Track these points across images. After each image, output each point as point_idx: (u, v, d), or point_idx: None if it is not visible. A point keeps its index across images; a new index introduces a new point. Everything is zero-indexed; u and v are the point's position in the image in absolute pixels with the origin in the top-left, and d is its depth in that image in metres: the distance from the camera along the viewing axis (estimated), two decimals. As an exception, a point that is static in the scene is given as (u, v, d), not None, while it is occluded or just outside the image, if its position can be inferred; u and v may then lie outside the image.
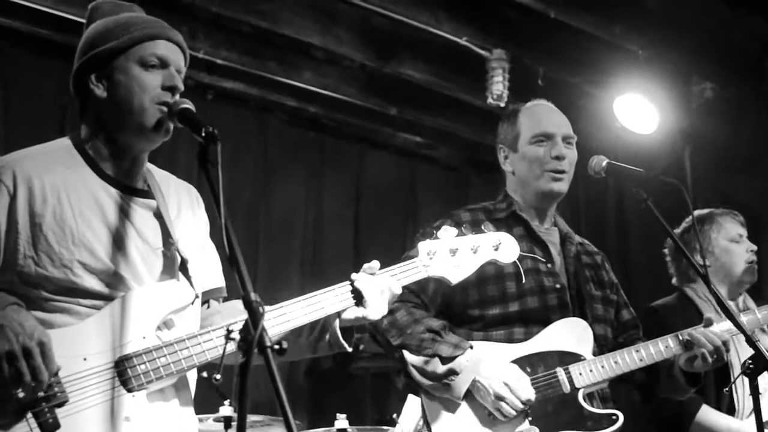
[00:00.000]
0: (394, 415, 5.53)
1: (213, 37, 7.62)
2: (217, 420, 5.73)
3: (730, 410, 5.04)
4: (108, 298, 3.16)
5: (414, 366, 4.17)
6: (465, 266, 3.67)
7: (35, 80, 7.76)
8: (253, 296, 2.55)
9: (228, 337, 2.71)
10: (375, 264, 3.47)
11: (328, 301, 3.35)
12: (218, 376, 2.74)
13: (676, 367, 4.33)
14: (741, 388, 5.03)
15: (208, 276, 3.53)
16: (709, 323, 4.27)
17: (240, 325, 2.57)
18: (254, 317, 2.51)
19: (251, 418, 5.78)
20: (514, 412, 3.99)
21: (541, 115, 4.56)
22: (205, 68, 7.87)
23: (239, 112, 9.00)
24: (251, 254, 8.72)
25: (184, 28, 7.16)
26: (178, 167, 7.66)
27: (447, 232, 3.65)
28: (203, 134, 2.91)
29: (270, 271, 8.94)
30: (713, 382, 5.05)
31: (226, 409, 5.67)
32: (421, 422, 4.24)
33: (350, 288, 3.40)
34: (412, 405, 5.36)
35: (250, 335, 2.48)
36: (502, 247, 3.75)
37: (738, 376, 4.73)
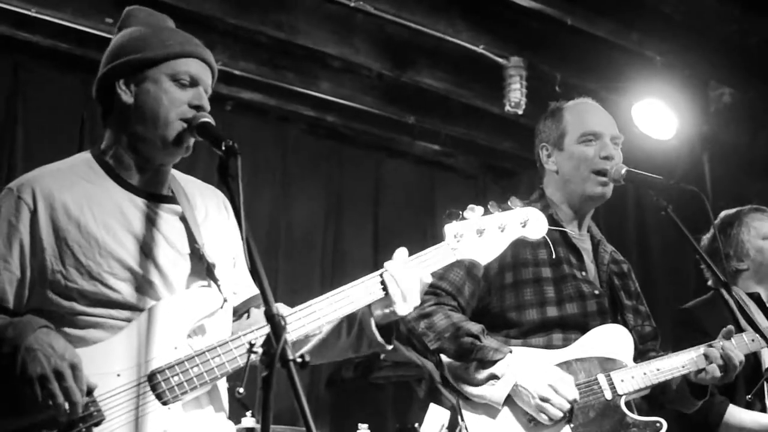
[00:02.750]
0: (416, 425, 5.52)
1: (231, 48, 7.64)
2: None
3: (762, 414, 5.00)
4: (140, 309, 3.17)
5: (452, 371, 4.15)
6: (493, 246, 3.57)
7: (54, 94, 7.80)
8: (275, 310, 2.55)
9: (250, 351, 2.71)
10: (404, 252, 3.40)
11: (356, 295, 3.30)
12: (241, 390, 2.74)
13: (683, 378, 4.30)
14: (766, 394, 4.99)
15: (246, 285, 3.52)
16: (728, 335, 4.24)
17: (262, 338, 2.58)
18: (276, 331, 2.51)
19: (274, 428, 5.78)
20: (560, 414, 3.94)
21: (589, 114, 4.53)
22: (223, 79, 7.88)
23: (258, 123, 9.01)
24: (271, 264, 8.72)
25: (201, 40, 7.18)
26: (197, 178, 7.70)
27: (474, 211, 3.55)
28: (223, 148, 2.93)
29: (290, 281, 8.94)
30: (744, 388, 4.99)
31: (249, 420, 5.67)
32: (445, 431, 4.21)
33: (380, 280, 3.33)
34: (434, 414, 5.35)
35: (273, 349, 2.48)
36: (529, 224, 3.66)
37: (761, 382, 4.72)
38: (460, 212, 3.56)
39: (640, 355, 4.35)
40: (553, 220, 4.39)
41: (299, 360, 2.49)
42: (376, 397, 8.73)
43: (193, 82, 3.34)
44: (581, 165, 4.40)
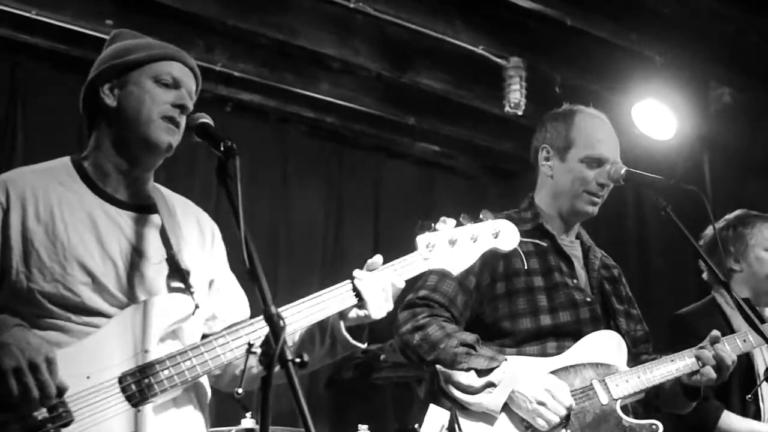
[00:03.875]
0: (416, 425, 5.52)
1: (230, 50, 7.64)
2: (239, 433, 5.74)
3: (756, 418, 4.97)
4: (101, 314, 3.19)
5: (448, 380, 4.15)
6: (465, 256, 3.58)
7: (53, 95, 7.79)
8: (274, 310, 2.55)
9: (249, 351, 2.72)
10: (378, 259, 3.45)
11: (328, 302, 3.33)
12: (240, 390, 2.75)
13: (676, 380, 4.30)
14: (767, 395, 4.97)
15: (231, 310, 3.55)
16: (715, 340, 4.23)
17: (261, 339, 2.58)
18: (275, 331, 2.51)
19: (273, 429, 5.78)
20: (556, 418, 3.94)
21: (600, 136, 4.48)
22: (223, 81, 7.88)
23: (257, 124, 9.01)
24: (271, 267, 8.71)
25: (201, 42, 7.21)
26: (196, 181, 7.70)
27: (445, 223, 3.59)
28: (222, 149, 2.94)
29: (290, 283, 8.93)
30: (738, 391, 5.00)
31: (248, 422, 5.68)
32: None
33: (351, 287, 3.37)
34: (434, 415, 5.34)
35: (272, 349, 2.48)
36: (501, 235, 3.67)
37: (760, 383, 4.71)
38: (432, 224, 3.60)
39: (634, 359, 4.36)
40: (543, 229, 4.42)
41: (298, 360, 2.50)
42: (376, 398, 8.73)
43: (176, 84, 3.40)
44: (577, 183, 4.41)
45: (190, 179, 7.59)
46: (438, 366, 4.16)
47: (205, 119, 3.23)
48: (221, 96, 8.13)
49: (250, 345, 2.71)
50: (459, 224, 3.62)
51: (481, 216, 3.69)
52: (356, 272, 3.40)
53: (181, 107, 3.35)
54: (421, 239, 3.55)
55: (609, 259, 4.68)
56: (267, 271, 2.71)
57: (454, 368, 4.10)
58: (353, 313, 3.38)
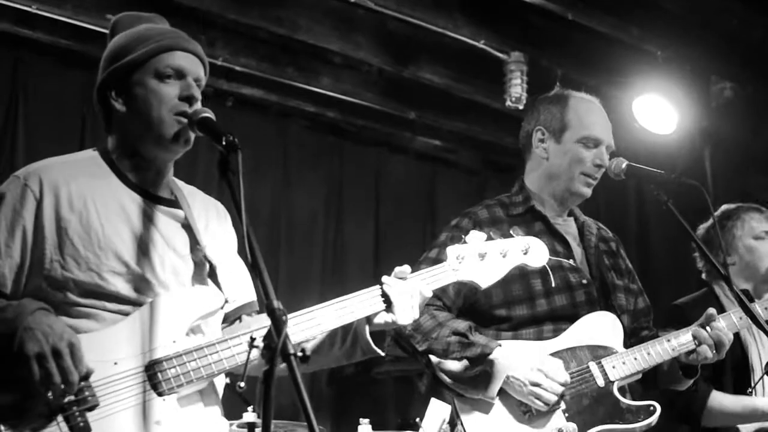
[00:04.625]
0: (417, 419, 5.52)
1: (232, 45, 7.65)
2: (240, 426, 5.75)
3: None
4: (134, 303, 3.19)
5: (443, 370, 4.15)
6: (494, 270, 3.62)
7: (55, 89, 7.81)
8: (276, 304, 2.55)
9: (251, 345, 2.72)
10: (406, 268, 3.43)
11: (358, 306, 3.33)
12: (242, 384, 2.75)
13: (674, 358, 4.29)
14: (761, 388, 4.98)
15: (240, 291, 3.54)
16: (711, 318, 4.24)
17: (263, 333, 2.59)
18: (277, 325, 2.51)
19: (275, 422, 5.79)
20: (553, 397, 3.94)
21: (595, 118, 4.51)
22: (224, 75, 7.90)
23: (259, 119, 9.01)
24: (272, 261, 8.72)
25: (202, 36, 7.20)
26: (198, 175, 7.70)
27: (475, 236, 3.61)
28: (224, 143, 2.93)
29: (291, 277, 8.95)
30: (731, 382, 5.00)
31: (250, 416, 5.68)
32: (446, 426, 4.21)
33: (380, 292, 3.37)
34: (435, 408, 5.35)
35: (274, 343, 2.48)
36: (531, 251, 3.71)
37: (762, 376, 4.71)
38: (462, 236, 3.63)
39: (634, 333, 4.39)
40: (535, 211, 4.43)
41: (300, 354, 2.50)
42: (378, 392, 8.75)
43: (179, 74, 3.33)
44: (574, 165, 4.41)
45: (191, 174, 7.60)
46: (431, 356, 4.16)
47: (207, 113, 3.22)
48: (222, 90, 8.14)
49: (252, 339, 2.72)
50: (489, 238, 3.65)
51: (511, 232, 3.73)
52: (385, 278, 3.39)
53: (189, 98, 3.30)
54: (451, 251, 3.58)
55: (606, 230, 4.68)
56: (268, 264, 2.71)
57: (448, 358, 4.10)
58: (380, 318, 3.38)
